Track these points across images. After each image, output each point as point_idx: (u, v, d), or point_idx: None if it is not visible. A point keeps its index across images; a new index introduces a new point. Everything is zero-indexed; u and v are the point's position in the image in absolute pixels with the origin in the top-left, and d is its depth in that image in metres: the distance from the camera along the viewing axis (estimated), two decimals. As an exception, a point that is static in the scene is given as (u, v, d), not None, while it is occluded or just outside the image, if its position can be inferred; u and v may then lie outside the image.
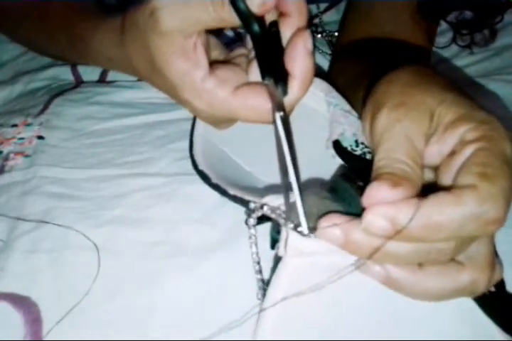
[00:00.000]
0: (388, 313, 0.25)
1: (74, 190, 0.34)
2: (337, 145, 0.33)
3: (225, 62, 0.32)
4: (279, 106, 0.25)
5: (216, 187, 0.30)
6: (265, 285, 0.26)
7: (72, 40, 0.42)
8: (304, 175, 0.32)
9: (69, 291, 0.28)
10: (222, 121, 0.32)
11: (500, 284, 0.26)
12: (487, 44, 0.49)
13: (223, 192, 0.30)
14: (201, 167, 0.32)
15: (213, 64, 0.30)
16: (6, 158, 0.37)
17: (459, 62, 0.49)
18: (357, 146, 0.33)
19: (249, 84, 0.30)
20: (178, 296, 0.28)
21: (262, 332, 0.24)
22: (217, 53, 0.33)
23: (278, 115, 0.24)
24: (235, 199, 0.29)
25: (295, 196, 0.24)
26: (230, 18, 0.26)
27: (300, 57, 0.28)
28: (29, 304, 0.28)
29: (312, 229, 0.24)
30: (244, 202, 0.28)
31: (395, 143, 0.24)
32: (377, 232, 0.21)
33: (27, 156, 0.37)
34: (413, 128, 0.24)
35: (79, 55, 0.43)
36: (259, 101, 0.28)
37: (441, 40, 0.50)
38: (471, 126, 0.23)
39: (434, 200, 0.21)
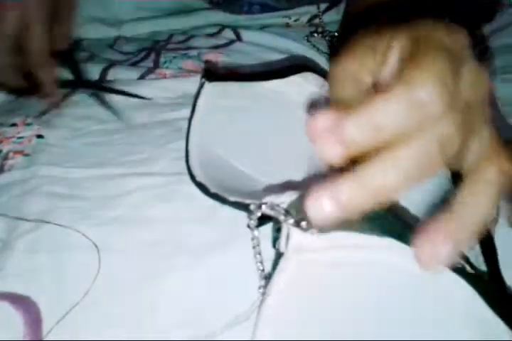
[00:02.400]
0: (394, 314, 0.24)
1: (74, 189, 0.34)
2: None
3: None
4: None
5: (215, 197, 0.30)
6: (268, 283, 0.26)
7: None
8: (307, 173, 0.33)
9: (69, 291, 0.28)
10: None
11: (501, 283, 0.26)
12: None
13: (223, 200, 0.30)
14: (199, 178, 0.32)
15: None
16: (6, 157, 0.37)
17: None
18: None
19: None
20: (178, 296, 0.28)
21: (263, 325, 0.24)
22: None
23: None
24: (236, 205, 0.29)
25: None
26: None
27: None
28: (29, 304, 0.28)
29: (312, 227, 0.24)
30: (245, 207, 0.28)
31: (342, 85, 0.24)
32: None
33: (26, 155, 0.37)
34: (357, 69, 0.24)
35: None
36: None
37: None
38: (403, 38, 0.23)
39: (367, 103, 0.20)
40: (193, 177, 0.32)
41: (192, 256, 0.30)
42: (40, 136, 0.39)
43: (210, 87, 0.38)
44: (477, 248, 0.29)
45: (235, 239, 0.30)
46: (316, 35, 0.55)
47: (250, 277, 0.27)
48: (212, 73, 0.39)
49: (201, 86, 0.38)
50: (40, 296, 0.28)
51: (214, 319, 0.27)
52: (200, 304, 0.28)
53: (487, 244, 0.28)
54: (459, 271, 0.24)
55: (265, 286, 0.25)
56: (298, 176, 0.32)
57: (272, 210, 0.25)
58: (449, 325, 0.24)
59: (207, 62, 0.48)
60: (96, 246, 0.30)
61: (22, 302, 0.28)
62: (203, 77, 0.39)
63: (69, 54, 0.45)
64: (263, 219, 0.26)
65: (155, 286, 0.28)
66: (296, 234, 0.24)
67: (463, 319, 0.24)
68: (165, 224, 0.31)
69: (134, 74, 0.46)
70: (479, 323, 0.24)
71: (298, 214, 0.24)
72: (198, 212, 0.32)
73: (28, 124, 0.40)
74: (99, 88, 0.43)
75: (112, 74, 0.46)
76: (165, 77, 0.46)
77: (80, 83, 0.44)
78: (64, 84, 0.43)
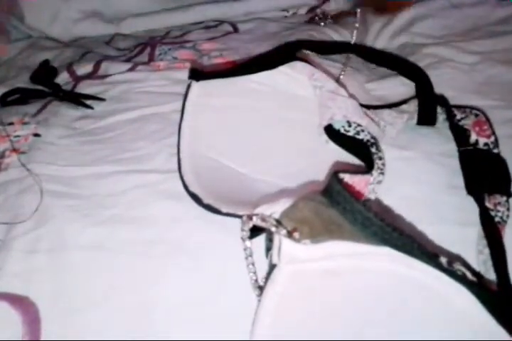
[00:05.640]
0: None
1: (70, 187, 0.34)
2: (330, 129, 0.33)
3: None
4: None
5: (208, 208, 0.30)
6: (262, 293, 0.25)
7: None
8: (303, 166, 0.32)
9: (67, 291, 0.28)
10: None
11: (506, 283, 0.25)
12: None
13: (216, 212, 0.29)
14: (192, 188, 0.31)
15: None
16: (2, 156, 0.37)
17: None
18: (349, 126, 0.33)
19: None
20: (177, 295, 0.28)
21: (259, 334, 0.23)
22: None
23: None
24: (229, 215, 0.29)
25: None
26: None
27: None
28: (27, 304, 0.27)
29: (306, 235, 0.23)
30: (238, 217, 0.27)
31: None
32: None
33: (23, 153, 0.37)
34: None
35: None
36: None
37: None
38: None
39: None
40: (186, 187, 0.32)
41: (191, 254, 0.29)
42: (36, 135, 0.39)
43: (197, 86, 0.37)
44: (486, 251, 0.28)
45: (234, 237, 0.29)
46: (316, 18, 0.56)
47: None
48: (199, 72, 0.38)
49: (188, 87, 0.37)
50: (39, 296, 0.28)
51: (213, 318, 0.26)
52: (199, 303, 0.27)
53: (496, 248, 0.28)
54: (459, 278, 0.23)
55: (260, 295, 0.25)
56: (294, 169, 0.32)
57: (263, 222, 0.24)
58: (449, 332, 0.23)
59: (192, 62, 0.47)
60: (94, 245, 0.30)
61: (21, 303, 0.27)
62: (189, 77, 0.38)
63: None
64: (257, 231, 0.25)
65: (154, 286, 0.28)
66: (287, 244, 0.23)
67: (463, 327, 0.23)
68: (163, 222, 0.31)
69: (126, 66, 0.46)
70: (480, 331, 0.23)
71: (291, 223, 0.24)
72: (196, 210, 0.31)
73: (25, 123, 0.40)
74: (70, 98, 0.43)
75: (104, 68, 0.46)
76: (159, 68, 0.46)
77: (53, 94, 0.44)
78: (40, 94, 0.44)
